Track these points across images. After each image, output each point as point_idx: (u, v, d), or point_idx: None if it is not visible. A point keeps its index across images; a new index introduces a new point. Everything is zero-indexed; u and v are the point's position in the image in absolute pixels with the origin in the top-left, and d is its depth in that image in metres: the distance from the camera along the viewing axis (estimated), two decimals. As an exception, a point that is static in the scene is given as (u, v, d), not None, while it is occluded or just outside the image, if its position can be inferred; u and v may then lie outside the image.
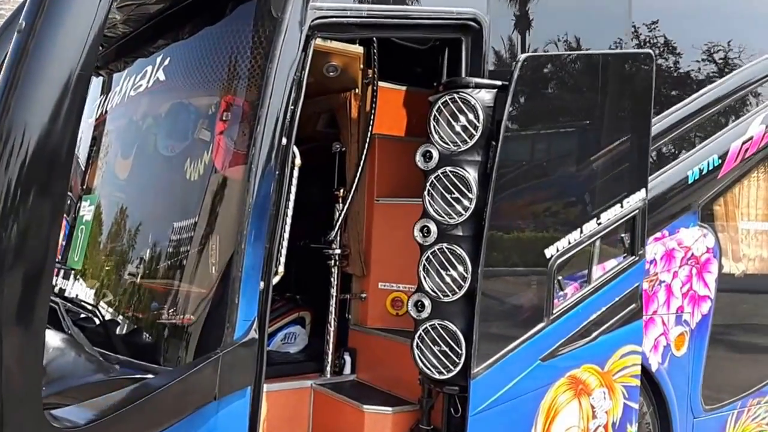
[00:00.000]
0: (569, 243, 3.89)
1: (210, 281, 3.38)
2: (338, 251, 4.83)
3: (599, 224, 3.99)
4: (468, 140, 3.68)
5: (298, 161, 3.50)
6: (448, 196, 3.72)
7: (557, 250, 3.85)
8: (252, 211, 3.29)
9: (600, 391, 4.12)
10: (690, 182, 4.86)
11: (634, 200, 4.12)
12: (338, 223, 4.74)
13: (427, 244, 3.79)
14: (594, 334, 4.03)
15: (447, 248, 3.71)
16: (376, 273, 4.87)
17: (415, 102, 5.16)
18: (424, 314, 3.77)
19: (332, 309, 4.83)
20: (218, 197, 3.56)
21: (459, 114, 3.70)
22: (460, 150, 3.71)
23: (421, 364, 3.78)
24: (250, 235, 3.28)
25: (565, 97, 3.97)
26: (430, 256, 3.76)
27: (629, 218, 4.11)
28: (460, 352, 3.65)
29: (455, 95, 3.71)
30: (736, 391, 5.41)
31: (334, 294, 4.84)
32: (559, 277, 3.87)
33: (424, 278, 3.78)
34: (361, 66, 4.76)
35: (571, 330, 3.96)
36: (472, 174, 3.67)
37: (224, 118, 3.53)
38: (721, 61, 5.22)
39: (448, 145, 3.73)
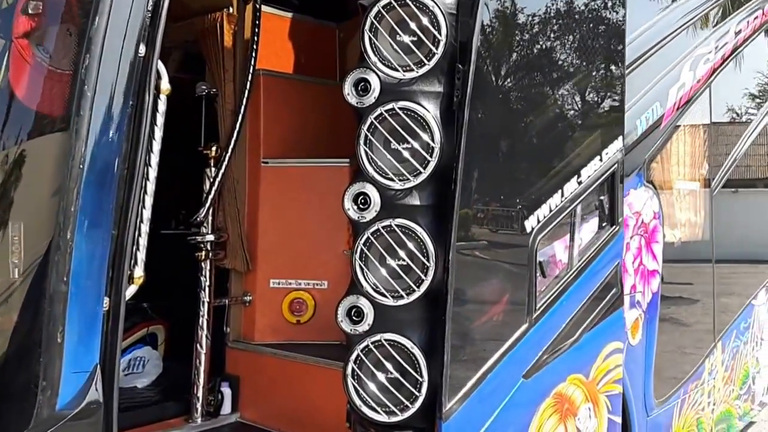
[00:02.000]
0: (550, 210, 2.79)
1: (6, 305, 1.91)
2: (210, 237, 3.42)
3: (580, 183, 2.93)
4: (425, 61, 2.45)
5: (165, 86, 2.09)
6: (399, 147, 2.47)
7: (538, 221, 2.74)
8: (85, 176, 1.87)
9: (585, 408, 3.09)
10: (639, 134, 3.95)
11: (612, 151, 3.12)
12: (210, 198, 3.33)
13: (365, 220, 2.52)
14: (577, 333, 2.99)
15: (398, 225, 2.47)
16: (265, 266, 3.53)
17: (307, 34, 3.88)
18: (363, 326, 2.52)
19: (202, 320, 3.41)
20: (21, 152, 2.08)
21: (410, 21, 2.45)
22: (413, 77, 2.46)
23: (358, 401, 2.52)
24: (82, 218, 1.87)
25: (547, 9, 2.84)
26: (372, 239, 2.51)
27: (608, 175, 3.09)
28: (420, 379, 2.45)
29: (404, -6, 2.45)
30: (679, 376, 4.67)
31: (206, 299, 3.43)
32: (541, 259, 2.76)
33: (362, 273, 2.52)
34: (236, -25, 3.40)
35: (555, 331, 2.88)
36: (432, 111, 2.45)
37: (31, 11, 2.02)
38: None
39: (396, 69, 2.47)
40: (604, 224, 3.11)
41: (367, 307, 2.52)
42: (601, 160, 3.01)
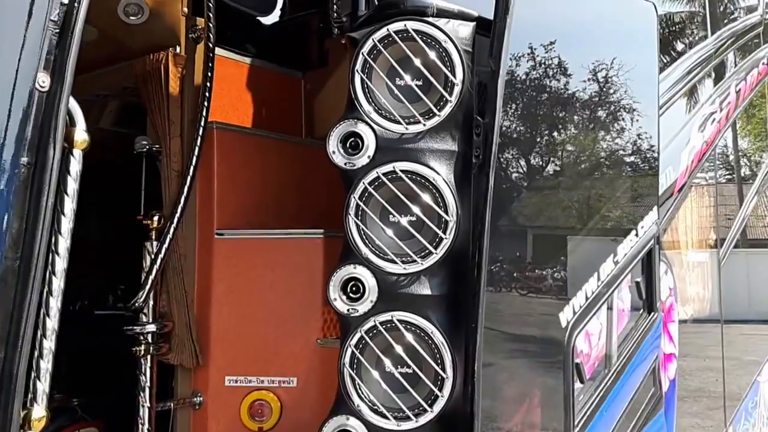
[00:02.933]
0: (586, 298, 2.24)
1: None
2: (151, 328, 2.73)
3: (616, 263, 2.40)
4: (435, 111, 1.90)
5: (81, 137, 1.48)
6: (402, 220, 1.90)
7: (573, 313, 2.18)
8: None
9: None
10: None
11: (648, 224, 2.61)
12: (150, 279, 2.67)
13: (356, 314, 1.93)
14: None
15: (401, 321, 1.88)
16: (219, 360, 2.86)
17: (269, 83, 3.34)
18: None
19: (142, 429, 2.70)
20: None
21: (415, 59, 1.91)
22: (420, 131, 1.91)
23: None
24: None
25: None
26: (366, 339, 1.91)
27: (645, 252, 2.57)
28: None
29: (407, 25, 1.91)
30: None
31: (146, 402, 2.73)
32: (578, 360, 2.20)
33: (355, 388, 1.92)
34: (185, 10, 2.83)
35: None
36: (444, 175, 1.90)
37: None
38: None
39: (397, 121, 1.92)
40: (641, 311, 2.57)
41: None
42: (637, 235, 2.49)
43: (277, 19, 4.09)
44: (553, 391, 2.09)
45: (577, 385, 2.19)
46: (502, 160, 1.96)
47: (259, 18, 3.78)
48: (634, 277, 2.54)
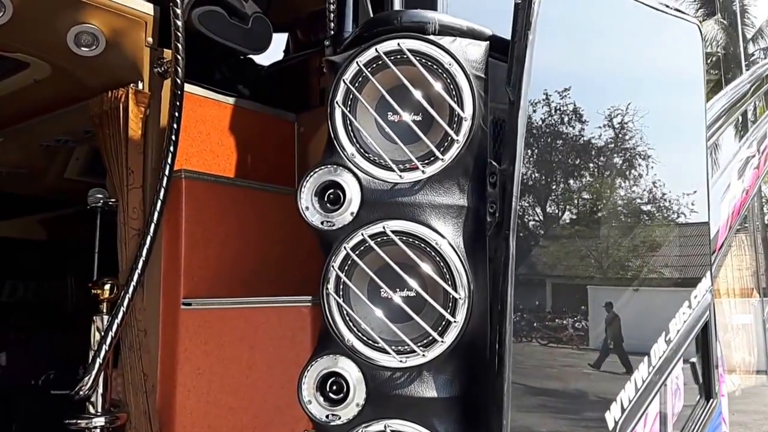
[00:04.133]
0: (636, 390, 1.75)
1: None
2: (100, 421, 2.26)
3: (668, 342, 1.91)
4: (438, 155, 1.45)
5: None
6: (394, 296, 1.44)
7: (621, 411, 1.69)
8: None
9: None
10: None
11: (702, 292, 2.12)
12: (99, 360, 2.20)
13: (338, 422, 1.47)
14: None
15: (397, 435, 1.41)
16: (185, 459, 2.37)
17: (255, 126, 2.95)
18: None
19: None
20: None
21: (414, 88, 1.47)
22: (418, 180, 1.46)
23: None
24: None
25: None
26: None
27: (700, 327, 2.09)
28: None
29: (401, 44, 1.47)
30: None
31: None
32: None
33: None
34: (149, 40, 2.44)
35: None
36: (450, 237, 1.44)
37: None
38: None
39: (388, 168, 1.48)
40: (698, 398, 2.08)
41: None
42: (690, 306, 2.01)
43: (277, 59, 3.73)
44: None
45: None
46: (523, 216, 1.51)
47: (253, 58, 3.41)
48: (687, 357, 2.06)
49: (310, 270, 2.82)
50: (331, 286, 1.48)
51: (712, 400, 2.13)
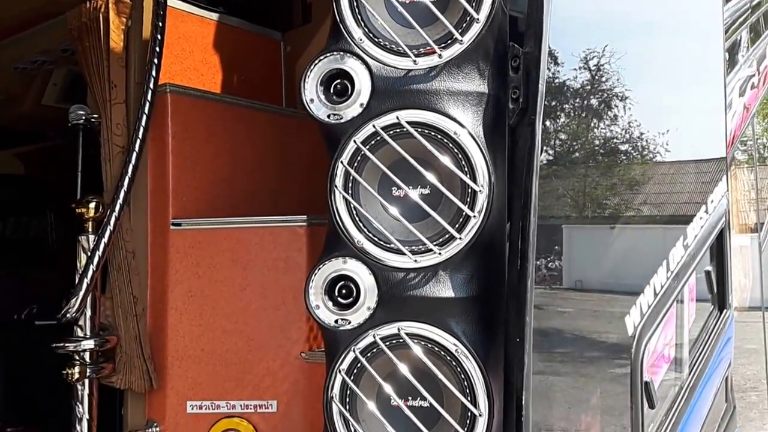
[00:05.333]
0: (655, 294, 1.69)
1: None
2: (89, 344, 2.16)
3: (686, 248, 1.84)
4: (457, 36, 1.33)
5: None
6: (411, 192, 1.34)
7: (641, 315, 1.62)
8: None
9: None
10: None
11: (718, 197, 2.06)
12: (86, 281, 2.10)
13: (348, 326, 1.39)
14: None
15: (413, 335, 1.33)
16: (179, 382, 2.31)
17: (241, 44, 2.82)
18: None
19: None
20: None
21: None
22: (434, 66, 1.35)
23: None
24: None
25: None
26: (363, 361, 1.36)
27: (716, 234, 2.03)
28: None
29: None
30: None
31: (84, 437, 2.16)
32: (648, 378, 1.64)
33: (344, 424, 1.37)
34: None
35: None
36: (470, 127, 1.34)
37: None
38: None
39: (402, 53, 1.36)
40: (711, 309, 2.03)
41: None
42: (707, 211, 1.94)
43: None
44: (617, 421, 1.54)
45: (646, 410, 1.64)
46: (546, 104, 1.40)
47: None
48: (702, 266, 2.00)
49: (303, 193, 2.73)
50: (339, 182, 1.37)
51: (725, 310, 2.08)
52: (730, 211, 3.49)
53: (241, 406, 2.31)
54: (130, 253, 2.25)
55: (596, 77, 1.66)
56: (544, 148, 1.40)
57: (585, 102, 1.66)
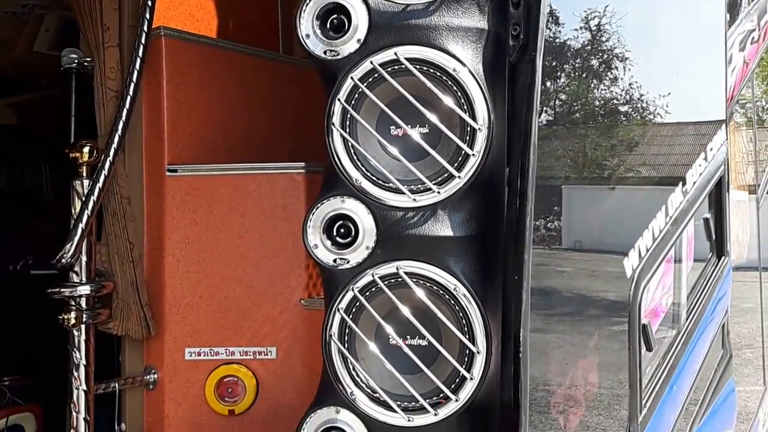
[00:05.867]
0: (653, 238, 1.68)
1: None
2: (84, 290, 2.15)
3: (685, 194, 1.84)
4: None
5: None
6: (410, 131, 1.32)
7: (639, 258, 1.62)
8: None
9: None
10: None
11: (717, 145, 2.04)
12: (81, 227, 2.08)
13: (347, 266, 1.38)
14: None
15: (412, 274, 1.33)
16: (177, 329, 2.32)
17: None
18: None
19: (77, 417, 2.15)
20: None
21: None
22: (431, 0, 1.32)
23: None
24: None
25: None
26: (362, 300, 1.35)
27: (715, 181, 2.02)
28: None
29: None
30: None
31: (81, 385, 2.17)
32: (645, 321, 1.65)
33: (345, 366, 1.37)
34: None
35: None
36: (470, 64, 1.31)
37: None
38: None
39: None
40: (709, 256, 2.03)
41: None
42: (706, 159, 1.92)
43: None
44: (615, 362, 1.55)
45: (644, 352, 1.65)
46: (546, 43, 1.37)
47: None
48: (700, 213, 1.99)
49: (296, 141, 2.71)
50: (336, 120, 1.35)
51: (723, 257, 2.09)
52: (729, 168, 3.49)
53: (240, 352, 2.32)
54: (126, 198, 2.24)
55: (596, 37, 1.63)
56: (544, 108, 1.38)
57: (585, 62, 1.63)
